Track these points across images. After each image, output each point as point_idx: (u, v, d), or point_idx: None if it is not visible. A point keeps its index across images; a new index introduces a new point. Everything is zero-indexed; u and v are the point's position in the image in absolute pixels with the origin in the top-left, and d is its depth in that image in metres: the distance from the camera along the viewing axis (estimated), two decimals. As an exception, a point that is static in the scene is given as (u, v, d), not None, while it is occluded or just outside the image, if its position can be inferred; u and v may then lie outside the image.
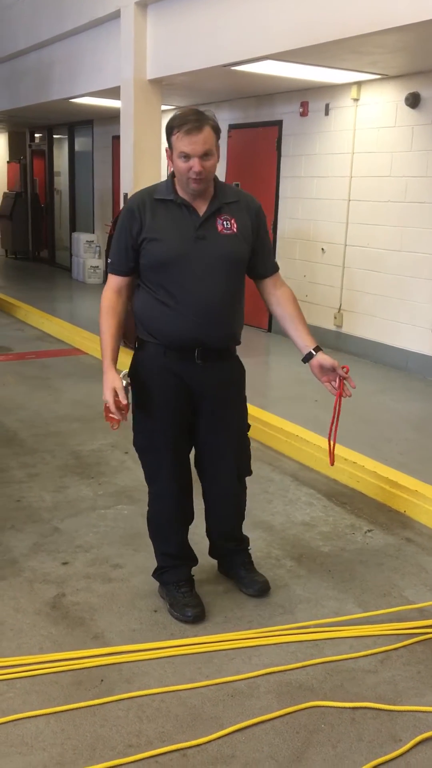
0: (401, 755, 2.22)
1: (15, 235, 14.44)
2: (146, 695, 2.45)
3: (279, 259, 8.02)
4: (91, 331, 7.47)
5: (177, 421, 2.78)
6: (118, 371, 2.71)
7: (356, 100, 6.70)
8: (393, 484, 3.99)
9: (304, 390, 5.65)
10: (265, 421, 4.87)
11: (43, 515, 3.72)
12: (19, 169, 15.36)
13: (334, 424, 2.88)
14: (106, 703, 2.41)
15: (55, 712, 2.35)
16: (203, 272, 2.64)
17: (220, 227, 2.67)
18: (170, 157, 2.63)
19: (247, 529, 3.51)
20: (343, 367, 2.76)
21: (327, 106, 7.07)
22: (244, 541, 3.13)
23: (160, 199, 2.67)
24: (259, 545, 3.45)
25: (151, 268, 2.67)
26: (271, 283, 2.89)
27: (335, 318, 7.22)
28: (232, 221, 2.69)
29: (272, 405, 5.18)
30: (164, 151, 2.70)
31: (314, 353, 2.79)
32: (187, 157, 2.54)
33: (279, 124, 7.75)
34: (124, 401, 2.64)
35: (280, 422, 4.82)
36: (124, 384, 2.77)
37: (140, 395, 2.79)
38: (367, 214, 6.73)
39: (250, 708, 2.40)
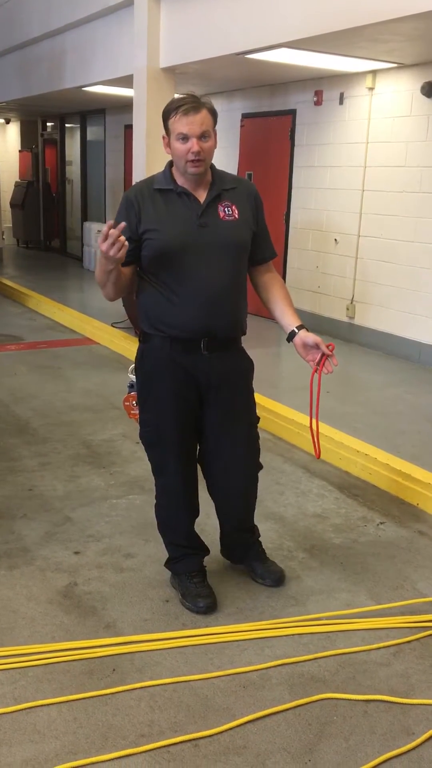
0: (414, 748, 2.21)
1: (26, 225, 14.44)
2: (158, 685, 2.45)
3: (291, 250, 8.07)
4: (102, 321, 7.47)
5: (184, 414, 2.76)
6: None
7: (371, 89, 6.63)
8: (406, 476, 3.97)
9: (316, 381, 5.63)
10: (277, 413, 4.85)
11: (55, 504, 3.73)
12: (30, 158, 15.33)
13: (314, 406, 2.79)
14: (118, 692, 2.41)
15: (68, 701, 2.36)
16: (207, 260, 2.61)
17: (221, 214, 2.65)
18: (168, 144, 2.61)
19: (258, 521, 3.50)
20: (328, 345, 2.72)
21: (341, 95, 7.01)
22: (256, 531, 3.13)
23: (159, 189, 2.65)
24: (270, 537, 3.44)
25: (154, 260, 2.64)
26: (264, 268, 2.87)
27: (348, 309, 7.18)
28: (233, 207, 2.67)
29: (284, 396, 5.16)
30: (161, 139, 2.66)
31: (297, 331, 2.76)
32: (185, 138, 2.52)
33: (293, 113, 7.69)
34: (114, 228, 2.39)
35: (291, 413, 4.80)
36: (130, 379, 2.81)
37: (146, 388, 2.78)
38: (381, 204, 6.67)
39: (262, 699, 2.40)
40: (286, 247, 7.93)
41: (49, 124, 14.53)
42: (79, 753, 2.16)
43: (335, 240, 7.27)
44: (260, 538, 3.14)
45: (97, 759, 2.13)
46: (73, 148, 13.51)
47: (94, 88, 8.54)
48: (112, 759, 2.14)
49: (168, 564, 3.00)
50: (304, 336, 2.74)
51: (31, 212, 14.40)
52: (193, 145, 2.51)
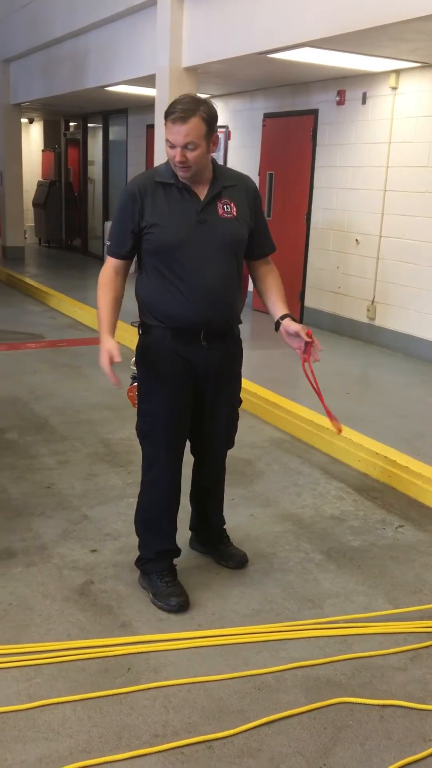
0: (431, 755, 2.18)
1: (48, 224, 14.52)
2: (173, 685, 2.44)
3: (312, 250, 8.02)
4: (122, 320, 7.46)
5: (182, 404, 2.81)
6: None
7: (394, 88, 6.58)
8: (426, 479, 3.92)
9: (335, 382, 5.59)
10: (295, 413, 4.82)
11: (72, 502, 3.73)
12: (53, 157, 15.42)
13: (316, 390, 2.85)
14: (133, 692, 2.40)
15: (82, 699, 2.36)
16: (206, 256, 2.67)
17: (220, 211, 2.70)
18: None
19: (275, 522, 3.49)
20: (306, 333, 2.74)
21: (364, 94, 6.96)
22: (223, 519, 3.21)
23: (160, 182, 2.70)
24: (288, 538, 3.43)
25: (155, 253, 2.69)
26: (263, 261, 2.93)
27: (368, 310, 7.13)
28: (232, 205, 2.72)
29: (302, 397, 5.12)
30: None
31: (282, 321, 2.80)
32: (172, 146, 2.59)
33: (315, 113, 7.65)
34: (117, 359, 2.66)
35: (310, 414, 4.77)
36: (132, 371, 2.86)
37: (149, 379, 2.81)
38: (404, 204, 6.62)
39: (277, 702, 2.39)
40: (307, 247, 7.89)
41: (71, 123, 14.59)
42: (93, 752, 2.16)
43: (356, 240, 7.22)
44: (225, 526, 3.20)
45: (110, 758, 2.13)
46: (95, 148, 13.57)
47: (116, 88, 8.56)
48: (126, 759, 2.13)
49: (138, 563, 2.99)
50: (287, 325, 2.79)
51: (53, 211, 14.47)
52: (177, 154, 2.58)
